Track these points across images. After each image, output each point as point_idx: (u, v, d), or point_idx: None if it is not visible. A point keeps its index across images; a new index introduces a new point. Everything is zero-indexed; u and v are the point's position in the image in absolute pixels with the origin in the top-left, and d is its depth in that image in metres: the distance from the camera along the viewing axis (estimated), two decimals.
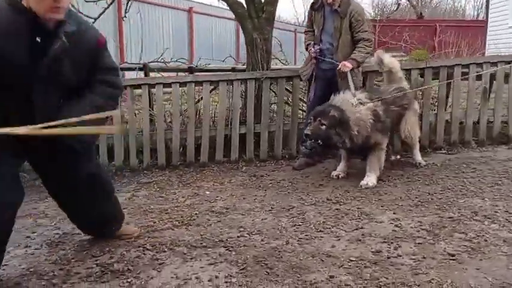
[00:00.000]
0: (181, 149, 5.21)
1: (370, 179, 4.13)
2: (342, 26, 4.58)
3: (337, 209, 3.52)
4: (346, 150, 4.37)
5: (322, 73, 4.71)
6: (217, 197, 4.04)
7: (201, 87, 5.25)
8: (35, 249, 3.09)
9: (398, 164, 4.80)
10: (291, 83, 5.30)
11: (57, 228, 3.46)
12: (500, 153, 4.98)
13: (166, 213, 3.66)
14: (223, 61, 7.39)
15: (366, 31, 4.58)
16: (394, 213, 3.38)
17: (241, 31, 15.40)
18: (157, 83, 5.07)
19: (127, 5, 6.01)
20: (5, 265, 2.75)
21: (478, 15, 30.90)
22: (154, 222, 3.45)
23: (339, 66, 4.51)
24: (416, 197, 3.70)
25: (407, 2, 24.37)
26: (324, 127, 4.03)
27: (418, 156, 4.77)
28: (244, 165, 5.10)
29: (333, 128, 4.01)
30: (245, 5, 5.42)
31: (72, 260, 2.88)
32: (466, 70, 5.28)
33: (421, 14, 23.52)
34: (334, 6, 4.56)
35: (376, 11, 26.87)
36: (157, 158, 5.11)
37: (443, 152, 5.20)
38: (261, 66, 5.34)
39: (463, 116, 5.37)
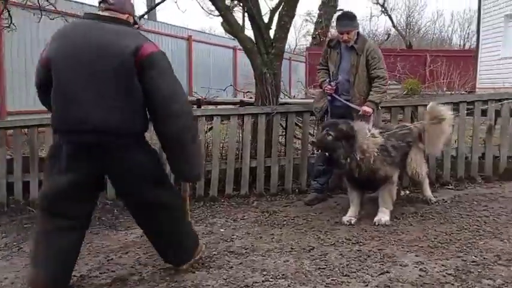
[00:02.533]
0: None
1: (382, 215, 4.15)
2: (358, 62, 4.66)
3: (358, 250, 3.51)
4: (352, 180, 4.31)
5: (336, 109, 4.76)
6: (232, 235, 3.99)
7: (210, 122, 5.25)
8: None
9: (409, 199, 4.82)
10: (301, 118, 5.33)
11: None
12: (508, 190, 5.04)
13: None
14: (224, 90, 7.47)
15: (382, 68, 4.65)
16: (416, 256, 3.38)
17: (238, 59, 15.64)
18: None
19: None
20: None
21: (464, 45, 31.68)
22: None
23: (360, 112, 4.57)
24: (434, 238, 3.70)
25: (396, 32, 24.87)
26: (330, 137, 4.04)
27: (427, 192, 4.77)
28: (255, 199, 5.08)
29: (339, 140, 4.03)
30: (254, 40, 5.49)
31: None
32: (471, 106, 5.39)
33: (410, 43, 24.04)
34: (349, 43, 4.66)
35: None
36: None
37: (451, 187, 5.25)
38: (271, 100, 5.38)
39: (468, 151, 5.45)
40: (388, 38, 24.52)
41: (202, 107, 5.92)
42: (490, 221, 4.08)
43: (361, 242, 3.69)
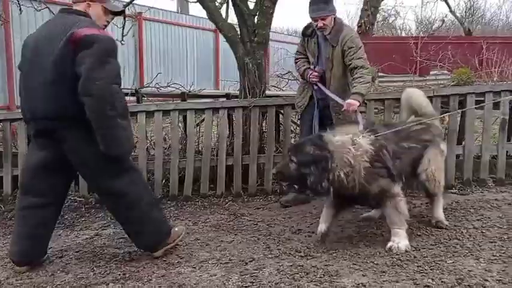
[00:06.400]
0: (163, 180, 4.88)
1: (398, 239, 3.25)
2: (333, 55, 4.11)
3: (300, 266, 3.04)
4: (338, 197, 3.37)
5: (321, 102, 4.25)
6: (181, 241, 3.65)
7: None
8: None
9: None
10: (282, 111, 4.87)
11: None
12: None
13: (115, 261, 3.31)
14: None
15: (360, 58, 4.01)
16: (363, 275, 2.87)
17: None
18: (139, 111, 4.79)
19: (123, 28, 5.80)
20: None
21: None
22: (95, 273, 3.11)
23: (344, 106, 3.89)
24: (397, 254, 3.14)
25: (454, 18, 23.24)
26: (293, 165, 3.27)
27: (439, 212, 3.69)
28: (231, 199, 4.71)
29: (306, 167, 3.23)
30: (238, 29, 5.09)
31: None
32: (481, 98, 4.69)
33: (469, 30, 22.34)
34: (325, 32, 4.10)
35: (420, 28, 25.80)
36: None
37: (455, 191, 4.59)
38: (256, 93, 4.96)
39: (478, 150, 4.75)
40: (442, 25, 22.94)
41: (187, 101, 5.58)
42: (477, 234, 3.46)
43: (310, 255, 3.22)
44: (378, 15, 19.90)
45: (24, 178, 3.24)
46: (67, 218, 4.42)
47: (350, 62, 4.03)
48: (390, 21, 26.77)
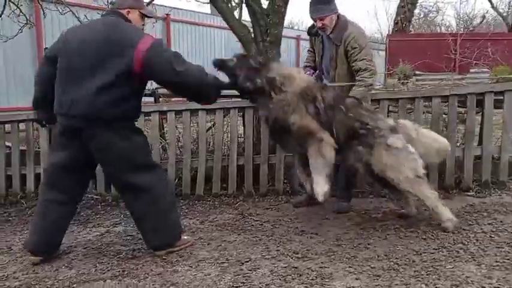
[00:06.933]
0: (176, 180, 4.95)
1: (315, 186, 3.40)
2: (337, 55, 4.04)
3: (294, 268, 3.03)
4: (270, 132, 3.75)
5: None
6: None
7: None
8: None
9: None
10: None
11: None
12: None
13: (118, 258, 3.39)
14: None
15: (364, 59, 3.93)
16: (356, 279, 2.82)
17: (301, 47, 14.96)
18: (153, 111, 4.88)
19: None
20: None
21: None
22: (96, 270, 3.20)
23: None
24: (397, 257, 3.09)
25: (496, 14, 22.39)
26: (232, 63, 3.57)
27: (442, 213, 3.55)
28: (242, 199, 4.72)
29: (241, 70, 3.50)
30: (251, 28, 5.09)
31: None
32: (500, 97, 4.50)
33: None
34: (326, 31, 4.06)
35: (460, 24, 24.97)
36: None
37: (471, 194, 4.44)
38: None
39: (497, 151, 4.57)
40: (482, 21, 22.12)
41: None
42: (484, 238, 3.33)
43: (307, 257, 3.19)
44: (419, 11, 19.40)
45: (51, 173, 3.38)
46: (82, 215, 4.54)
47: (353, 64, 3.98)
48: (431, 18, 26.09)
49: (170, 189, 3.59)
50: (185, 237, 3.57)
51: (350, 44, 3.94)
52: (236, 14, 5.33)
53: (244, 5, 5.18)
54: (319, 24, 4.01)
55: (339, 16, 4.04)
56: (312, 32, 4.26)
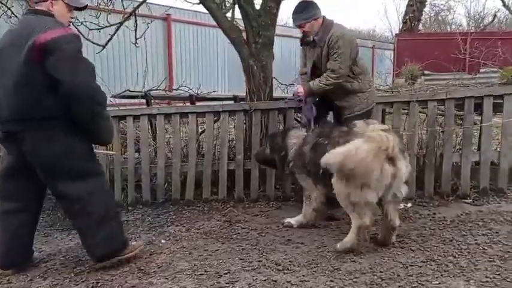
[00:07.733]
0: (165, 184, 4.85)
1: (290, 219, 3.93)
2: (321, 56, 4.01)
3: (274, 281, 2.90)
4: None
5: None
6: (166, 248, 3.59)
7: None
8: None
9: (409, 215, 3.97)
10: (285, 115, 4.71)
11: None
12: None
13: (94, 269, 3.27)
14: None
15: (336, 61, 3.91)
16: None
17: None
18: (141, 114, 4.77)
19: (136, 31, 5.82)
20: None
21: None
22: (70, 280, 3.10)
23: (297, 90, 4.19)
24: (381, 271, 2.94)
25: (507, 12, 22.00)
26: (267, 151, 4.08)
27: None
28: (232, 205, 4.60)
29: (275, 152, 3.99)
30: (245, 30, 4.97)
31: None
32: (500, 101, 4.33)
33: None
34: (310, 36, 4.07)
35: (471, 23, 24.58)
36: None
37: (468, 201, 4.27)
38: (258, 95, 4.82)
39: (496, 156, 4.39)
40: (493, 20, 21.74)
41: (196, 104, 5.52)
42: (477, 250, 3.17)
43: (289, 269, 3.06)
44: (430, 10, 19.10)
45: (2, 183, 3.25)
46: (67, 221, 4.45)
47: (327, 63, 3.99)
48: (442, 16, 25.74)
49: (110, 196, 3.40)
50: (134, 243, 3.44)
51: (331, 44, 3.95)
52: (229, 15, 5.20)
53: (236, 6, 5.05)
54: (300, 30, 4.12)
55: (324, 20, 4.04)
56: (304, 41, 4.20)
